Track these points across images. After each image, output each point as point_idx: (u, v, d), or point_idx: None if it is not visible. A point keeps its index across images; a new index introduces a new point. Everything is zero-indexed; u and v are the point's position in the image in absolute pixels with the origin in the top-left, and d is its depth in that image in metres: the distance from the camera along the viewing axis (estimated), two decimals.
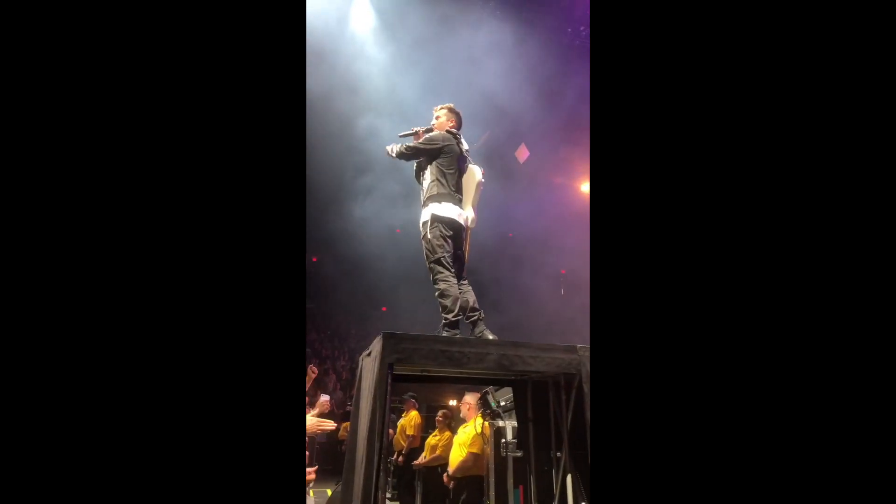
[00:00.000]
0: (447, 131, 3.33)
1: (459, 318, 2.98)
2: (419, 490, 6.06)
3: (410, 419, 6.76)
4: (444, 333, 2.91)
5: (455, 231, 3.15)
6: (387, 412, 2.49)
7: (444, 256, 3.05)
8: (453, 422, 5.87)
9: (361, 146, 12.82)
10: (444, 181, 3.18)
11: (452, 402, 8.71)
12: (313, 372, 3.67)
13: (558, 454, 3.26)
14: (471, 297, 3.11)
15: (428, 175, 3.26)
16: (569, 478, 3.10)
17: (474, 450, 4.62)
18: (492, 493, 4.29)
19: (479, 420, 4.69)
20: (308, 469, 2.50)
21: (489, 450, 4.48)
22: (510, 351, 2.72)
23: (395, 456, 6.62)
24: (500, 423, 4.53)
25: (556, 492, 3.23)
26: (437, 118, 3.43)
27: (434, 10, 11.43)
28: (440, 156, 3.22)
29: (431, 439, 5.87)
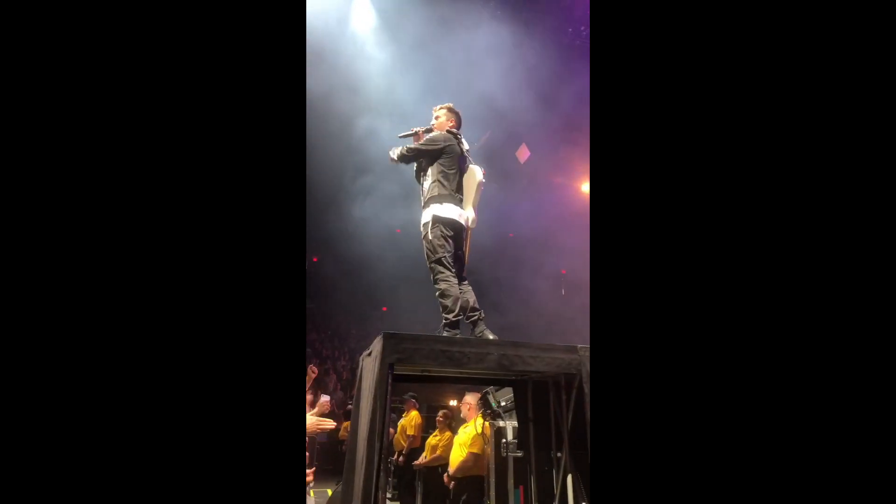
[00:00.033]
0: (447, 131, 3.33)
1: (460, 318, 2.98)
2: (420, 490, 6.06)
3: (411, 419, 6.76)
4: (445, 333, 2.91)
5: (456, 231, 3.15)
6: (387, 412, 2.49)
7: (444, 256, 3.05)
8: (454, 422, 5.87)
9: (361, 146, 12.83)
10: (444, 182, 3.18)
11: (453, 403, 8.71)
12: (313, 372, 3.68)
13: (559, 454, 3.26)
14: (471, 298, 3.11)
15: (429, 176, 3.26)
16: (569, 478, 3.10)
17: (475, 450, 4.62)
18: (492, 493, 4.29)
19: (480, 420, 4.69)
20: (307, 471, 2.50)
21: (490, 450, 4.48)
22: (510, 351, 2.72)
23: (395, 456, 6.62)
24: (501, 424, 4.53)
25: (557, 492, 3.23)
26: (436, 118, 3.43)
27: (435, 11, 11.44)
28: (441, 156, 3.22)
29: (432, 439, 5.87)
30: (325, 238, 16.82)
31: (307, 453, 3.75)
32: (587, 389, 2.65)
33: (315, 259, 18.58)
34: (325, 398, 3.75)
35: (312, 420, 2.72)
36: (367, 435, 2.41)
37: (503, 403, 4.73)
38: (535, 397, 3.47)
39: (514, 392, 3.67)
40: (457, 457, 4.76)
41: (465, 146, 3.36)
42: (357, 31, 12.50)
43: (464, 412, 5.09)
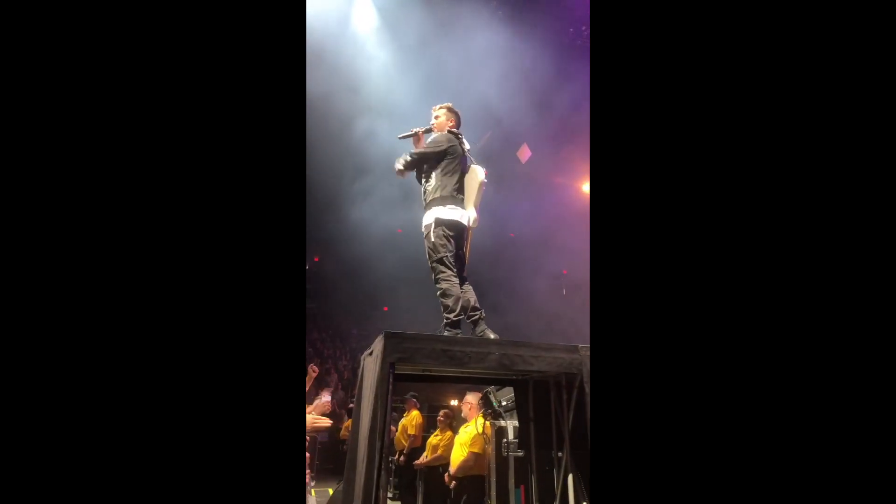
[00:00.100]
0: (448, 131, 3.33)
1: (461, 317, 2.98)
2: (420, 490, 6.06)
3: (412, 419, 6.76)
4: (446, 333, 2.91)
5: (457, 232, 3.15)
6: (388, 411, 2.49)
7: (446, 256, 3.05)
8: (454, 421, 5.87)
9: (361, 147, 12.84)
10: (446, 182, 3.18)
11: (454, 402, 8.71)
12: (314, 371, 3.68)
13: (560, 454, 3.26)
14: (472, 297, 3.11)
15: (431, 177, 3.25)
16: (570, 477, 3.10)
17: (475, 449, 4.61)
18: (493, 492, 4.29)
19: (481, 420, 4.69)
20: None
21: (490, 449, 4.48)
22: (511, 350, 2.72)
23: (396, 455, 6.61)
24: (502, 423, 4.53)
25: (558, 492, 3.23)
26: (436, 117, 3.43)
27: (436, 11, 11.43)
28: (444, 157, 3.22)
29: (433, 439, 5.87)
30: (326, 238, 16.83)
31: (307, 453, 3.76)
32: (588, 389, 2.65)
33: (316, 259, 18.59)
34: (326, 398, 3.76)
35: (308, 419, 2.72)
36: (368, 434, 2.41)
37: (504, 403, 4.73)
38: (536, 397, 3.47)
39: (515, 391, 3.67)
40: (458, 456, 4.76)
41: (466, 146, 3.36)
42: (357, 32, 12.50)
43: (465, 412, 5.09)
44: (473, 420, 4.81)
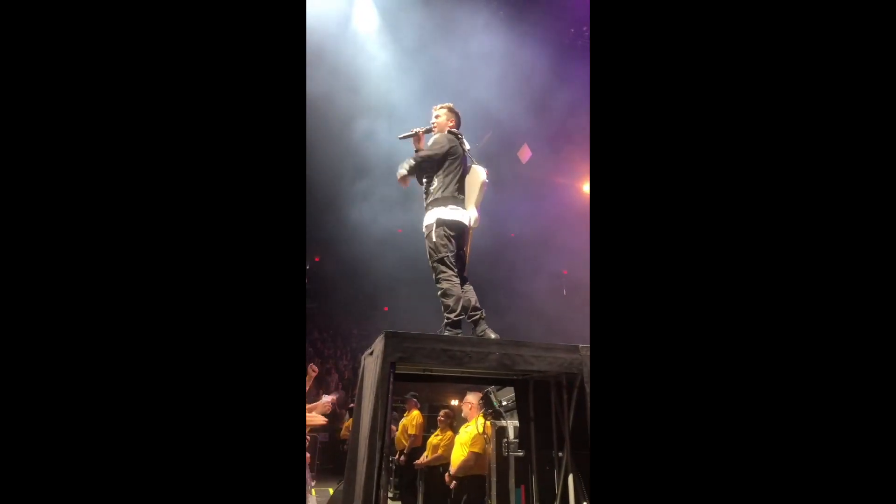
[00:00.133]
0: (449, 131, 3.33)
1: (462, 317, 2.99)
2: (421, 490, 6.06)
3: (412, 418, 6.76)
4: (447, 333, 2.91)
5: (458, 232, 3.15)
6: (388, 411, 2.49)
7: (447, 256, 3.05)
8: (455, 421, 5.87)
9: (361, 148, 12.84)
10: (447, 183, 3.18)
11: (454, 402, 8.71)
12: (313, 371, 3.68)
13: (560, 454, 3.26)
14: (473, 297, 3.12)
15: (432, 177, 3.26)
16: (570, 478, 3.10)
17: (476, 449, 4.62)
18: (493, 492, 4.29)
19: (481, 419, 4.69)
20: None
21: (491, 449, 4.48)
22: (512, 350, 2.72)
23: (396, 455, 6.61)
24: (502, 423, 4.54)
25: (558, 492, 3.23)
26: (436, 117, 3.42)
27: (436, 12, 11.43)
28: (446, 158, 3.22)
29: (433, 439, 5.87)
30: (326, 238, 16.85)
31: (308, 453, 3.76)
32: (588, 389, 2.65)
33: (317, 259, 18.61)
34: (326, 398, 3.76)
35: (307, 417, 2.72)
36: (369, 434, 2.42)
37: (504, 403, 4.73)
38: (536, 397, 3.48)
39: (516, 391, 3.67)
40: (458, 456, 4.76)
41: (467, 146, 3.36)
42: (357, 32, 12.51)
43: (465, 411, 5.09)
44: (474, 420, 4.81)
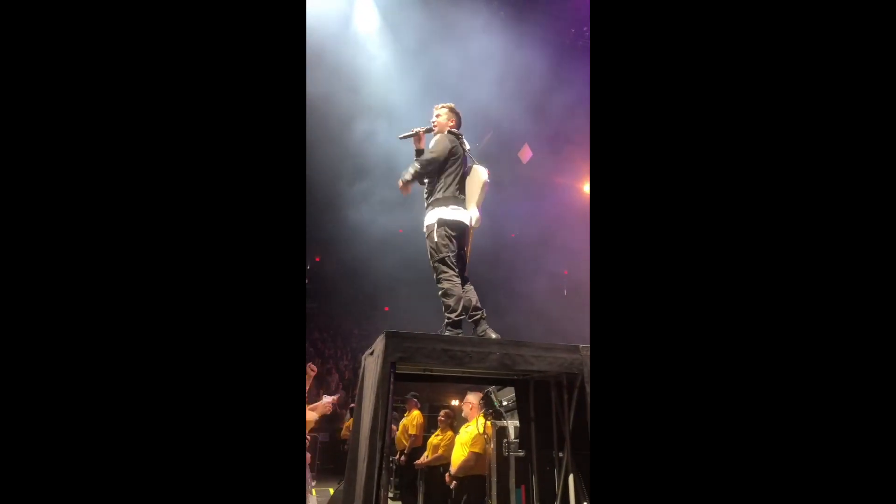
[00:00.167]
0: (449, 131, 3.33)
1: (462, 317, 2.99)
2: (421, 490, 6.06)
3: (413, 418, 6.76)
4: (447, 333, 2.91)
5: (460, 232, 3.16)
6: (389, 411, 2.49)
7: (448, 256, 3.05)
8: (455, 421, 5.87)
9: (361, 148, 12.85)
10: (448, 183, 3.18)
11: (455, 402, 8.71)
12: (312, 370, 3.68)
13: (560, 454, 3.26)
14: (473, 297, 3.12)
15: (433, 177, 3.25)
16: (571, 478, 3.09)
17: (476, 449, 4.61)
18: (494, 492, 4.29)
19: (481, 419, 4.69)
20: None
21: (491, 449, 4.48)
22: (512, 350, 2.72)
23: (397, 455, 6.61)
24: (503, 423, 4.53)
25: (559, 492, 3.23)
26: (437, 116, 3.42)
27: (436, 13, 11.43)
28: (448, 160, 3.22)
29: (434, 439, 5.87)
30: (327, 238, 16.85)
31: (308, 453, 3.76)
32: (589, 389, 2.65)
33: (318, 259, 18.62)
34: (327, 398, 3.76)
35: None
36: (369, 434, 2.42)
37: (505, 403, 4.73)
38: (536, 397, 3.47)
39: (516, 391, 3.67)
40: (458, 456, 4.76)
41: (467, 146, 3.36)
42: (357, 32, 12.51)
43: (465, 412, 5.09)
44: (474, 420, 4.81)
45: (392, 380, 2.48)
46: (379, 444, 2.35)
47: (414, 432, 6.58)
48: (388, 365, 2.47)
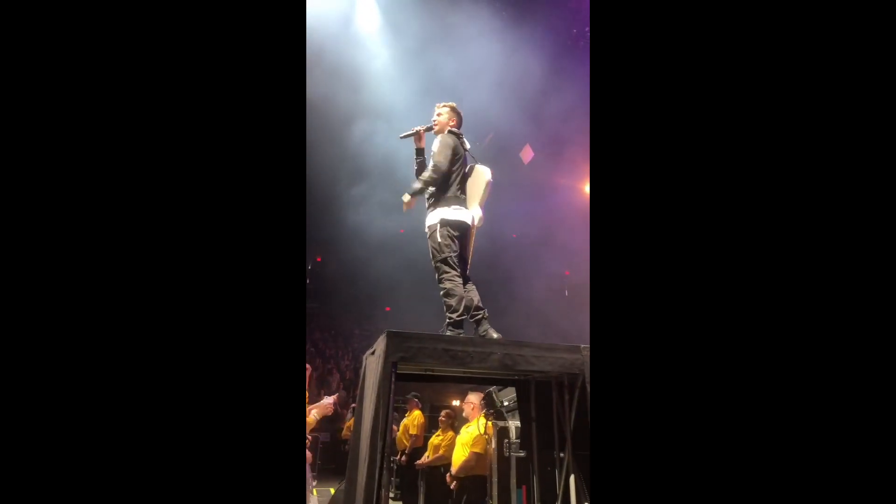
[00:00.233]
0: (450, 131, 3.32)
1: (464, 317, 2.98)
2: (422, 490, 6.06)
3: (413, 419, 6.75)
4: (448, 332, 2.91)
5: (461, 232, 3.15)
6: (390, 411, 2.49)
7: (450, 256, 3.05)
8: (456, 421, 5.87)
9: (362, 149, 12.86)
10: (450, 183, 3.18)
11: (456, 402, 8.71)
12: (307, 370, 3.68)
13: (562, 454, 3.26)
14: (475, 297, 3.11)
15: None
16: (572, 478, 3.09)
17: (477, 449, 4.61)
18: (495, 493, 4.28)
19: (482, 420, 4.69)
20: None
21: (492, 450, 4.48)
22: (513, 350, 2.72)
23: (398, 455, 6.61)
24: (503, 423, 4.53)
25: (560, 492, 3.23)
26: (437, 115, 3.42)
27: (437, 13, 11.43)
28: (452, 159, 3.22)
29: (434, 439, 5.87)
30: (328, 238, 16.87)
31: (309, 453, 3.76)
32: (590, 389, 2.65)
33: (319, 259, 18.64)
34: (328, 399, 3.76)
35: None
36: (370, 433, 2.42)
37: (506, 403, 4.73)
38: (537, 397, 3.47)
39: (517, 392, 3.67)
40: (459, 456, 4.76)
41: (467, 145, 3.36)
42: (358, 33, 12.50)
43: (466, 412, 5.08)
44: (475, 420, 4.81)
45: (393, 380, 2.47)
46: (380, 444, 2.35)
47: (415, 432, 6.58)
48: (390, 365, 2.47)
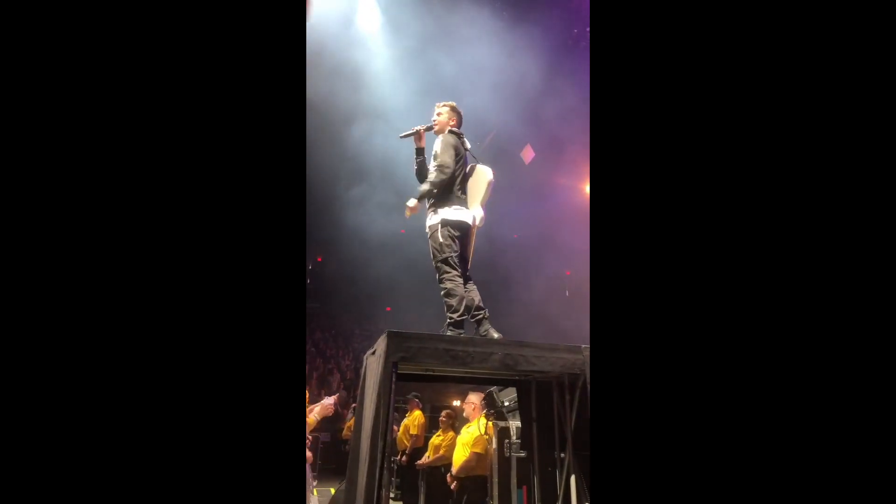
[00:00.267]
0: (450, 131, 3.32)
1: (464, 317, 2.98)
2: (422, 490, 6.06)
3: (414, 419, 6.75)
4: (449, 332, 2.90)
5: (462, 232, 3.15)
6: (390, 410, 2.49)
7: (451, 256, 3.05)
8: (457, 422, 5.86)
9: (362, 149, 12.85)
10: (451, 183, 3.18)
11: (456, 402, 8.71)
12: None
13: (562, 455, 3.25)
14: (476, 297, 3.11)
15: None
16: (573, 478, 3.09)
17: (478, 450, 4.61)
18: (495, 493, 4.28)
19: (483, 420, 4.68)
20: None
21: (492, 450, 4.47)
22: (514, 350, 2.71)
23: (398, 455, 6.61)
24: (504, 423, 4.53)
25: (560, 492, 3.22)
26: (437, 114, 3.41)
27: (438, 13, 11.42)
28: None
29: (435, 439, 5.86)
30: (329, 238, 16.88)
31: (309, 452, 3.76)
32: (590, 389, 2.64)
33: (319, 259, 18.65)
34: (328, 400, 3.77)
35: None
36: (371, 433, 2.41)
37: (507, 403, 4.72)
38: (538, 397, 3.47)
39: (518, 392, 3.66)
40: (460, 456, 4.75)
41: (468, 145, 3.36)
42: (358, 32, 12.49)
43: (467, 412, 5.08)
44: (476, 420, 4.80)
45: (394, 380, 2.47)
46: (380, 444, 2.35)
47: (415, 432, 6.57)
48: (390, 365, 2.46)
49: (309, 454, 3.69)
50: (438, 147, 3.26)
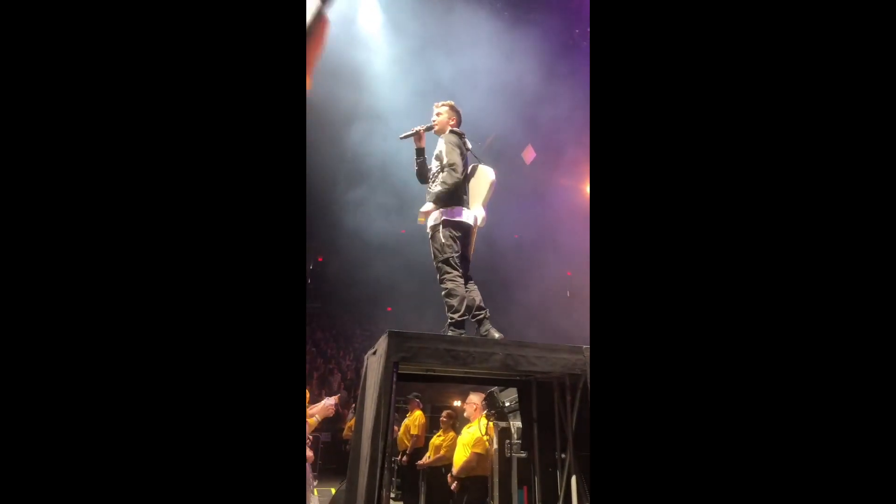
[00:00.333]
0: (450, 131, 3.32)
1: (465, 318, 2.98)
2: (423, 490, 6.06)
3: (415, 419, 6.76)
4: (450, 333, 2.91)
5: (463, 232, 3.15)
6: (391, 411, 2.49)
7: (452, 256, 3.05)
8: (457, 422, 5.87)
9: (362, 149, 12.86)
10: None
11: (457, 403, 8.71)
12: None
13: (563, 455, 3.25)
14: (477, 297, 3.11)
15: (437, 178, 3.25)
16: (573, 479, 3.09)
17: (478, 450, 4.61)
18: (496, 493, 4.28)
19: (484, 420, 4.68)
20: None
21: (493, 450, 4.48)
22: (515, 351, 2.71)
23: (399, 456, 6.61)
24: (505, 424, 4.53)
25: (561, 493, 3.22)
26: (437, 114, 3.41)
27: (438, 13, 11.42)
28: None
29: (436, 439, 5.87)
30: (330, 238, 16.89)
31: (310, 452, 3.76)
32: (590, 390, 2.64)
33: (320, 259, 18.66)
34: (328, 400, 3.77)
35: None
36: (372, 434, 2.41)
37: (507, 404, 4.72)
38: (539, 398, 3.47)
39: (519, 392, 3.67)
40: (460, 457, 4.76)
41: (469, 145, 3.36)
42: (359, 33, 12.49)
43: (468, 412, 5.08)
44: (476, 420, 4.80)
45: (394, 380, 2.47)
46: (381, 445, 2.35)
47: (416, 432, 6.58)
48: (391, 365, 2.46)
49: (310, 454, 3.69)
50: (443, 148, 3.27)
